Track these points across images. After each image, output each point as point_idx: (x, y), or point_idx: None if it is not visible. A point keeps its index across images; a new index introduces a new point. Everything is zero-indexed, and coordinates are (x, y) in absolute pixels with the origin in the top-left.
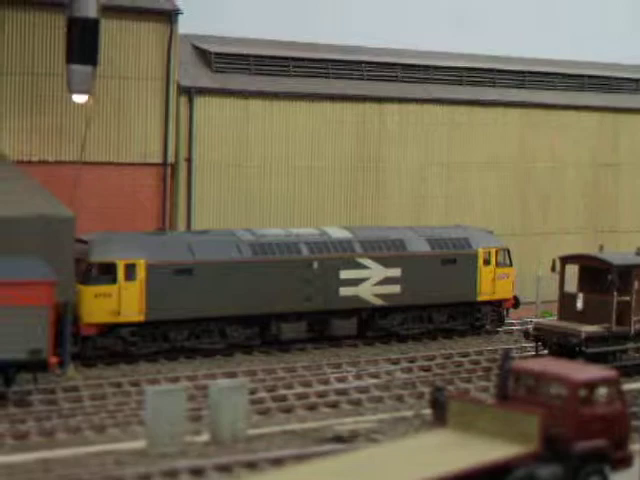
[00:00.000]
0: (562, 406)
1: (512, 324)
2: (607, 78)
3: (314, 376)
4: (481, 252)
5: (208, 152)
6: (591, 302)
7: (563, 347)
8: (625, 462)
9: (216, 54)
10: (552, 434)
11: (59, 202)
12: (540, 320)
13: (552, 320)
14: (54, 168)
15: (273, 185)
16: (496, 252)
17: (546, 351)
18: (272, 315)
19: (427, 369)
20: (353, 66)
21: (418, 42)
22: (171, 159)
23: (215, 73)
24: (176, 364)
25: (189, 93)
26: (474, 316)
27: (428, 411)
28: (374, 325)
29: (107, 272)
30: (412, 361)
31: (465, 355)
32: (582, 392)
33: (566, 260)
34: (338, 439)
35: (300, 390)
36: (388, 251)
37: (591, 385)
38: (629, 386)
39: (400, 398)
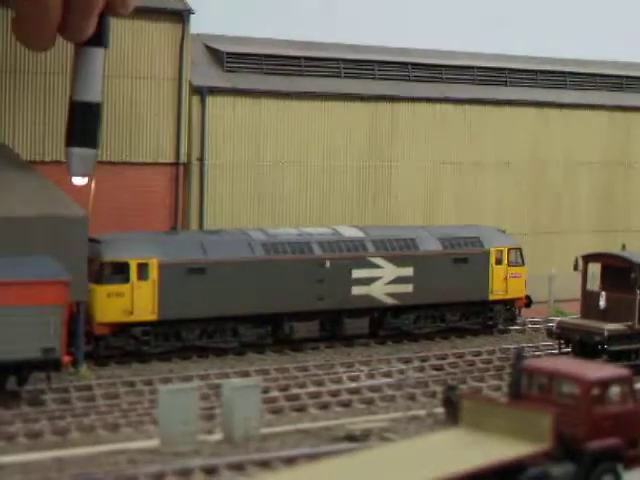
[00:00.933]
0: (575, 405)
1: (524, 323)
2: (620, 77)
3: (326, 375)
4: (493, 251)
5: (220, 152)
6: (614, 300)
7: (586, 345)
8: (638, 461)
9: (228, 54)
10: (565, 433)
11: (72, 202)
12: (563, 318)
13: (575, 318)
14: None
15: (285, 184)
16: (508, 251)
17: (569, 349)
18: (284, 314)
19: (439, 368)
20: (365, 65)
21: (434, 42)
22: (183, 159)
23: (227, 73)
24: (189, 363)
25: (201, 93)
26: (486, 315)
27: (440, 410)
28: (386, 324)
29: (120, 271)
30: (424, 360)
31: (477, 354)
32: (595, 391)
33: (589, 259)
34: (351, 438)
35: (313, 389)
36: (400, 250)
37: (604, 384)
38: None
39: (413, 397)
